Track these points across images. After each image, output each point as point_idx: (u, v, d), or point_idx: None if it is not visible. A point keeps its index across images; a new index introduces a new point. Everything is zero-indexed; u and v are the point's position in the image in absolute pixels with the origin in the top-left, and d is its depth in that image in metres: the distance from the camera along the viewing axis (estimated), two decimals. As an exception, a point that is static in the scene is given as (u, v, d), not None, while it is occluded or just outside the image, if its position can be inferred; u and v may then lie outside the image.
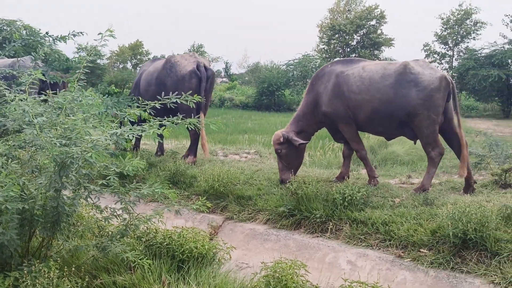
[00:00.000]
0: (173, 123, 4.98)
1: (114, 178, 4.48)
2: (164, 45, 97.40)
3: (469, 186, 7.87)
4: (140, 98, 6.01)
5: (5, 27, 31.83)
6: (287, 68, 38.59)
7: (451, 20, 37.95)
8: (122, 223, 4.98)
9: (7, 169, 4.27)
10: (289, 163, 8.69)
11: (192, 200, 8.37)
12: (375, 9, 43.91)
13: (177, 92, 10.49)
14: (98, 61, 39.78)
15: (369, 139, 13.93)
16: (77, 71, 5.48)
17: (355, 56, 42.20)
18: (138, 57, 50.22)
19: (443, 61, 38.88)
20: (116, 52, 48.75)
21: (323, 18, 48.25)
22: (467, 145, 7.89)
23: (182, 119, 4.93)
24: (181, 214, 5.38)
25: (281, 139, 8.54)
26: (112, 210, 5.07)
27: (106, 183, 4.58)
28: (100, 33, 5.54)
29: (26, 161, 4.77)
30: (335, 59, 9.27)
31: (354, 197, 7.14)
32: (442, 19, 38.34)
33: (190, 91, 10.25)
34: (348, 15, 45.55)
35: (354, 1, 46.25)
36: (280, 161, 8.77)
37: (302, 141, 8.49)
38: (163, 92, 5.78)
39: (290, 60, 38.83)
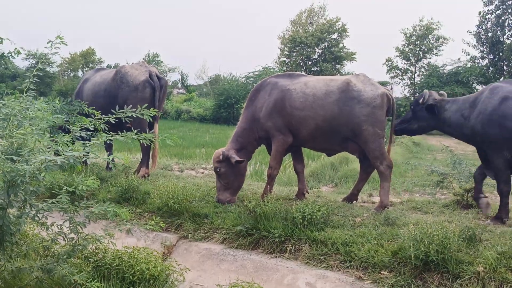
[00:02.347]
0: (127, 138, 4.89)
1: (65, 198, 4.39)
2: (117, 54, 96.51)
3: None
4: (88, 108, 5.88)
5: None
6: (247, 81, 38.82)
7: (413, 36, 38.92)
8: (69, 243, 4.87)
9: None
10: (228, 183, 8.65)
11: (145, 218, 8.25)
12: (336, 22, 44.80)
13: (129, 104, 10.53)
14: (48, 68, 39.26)
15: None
16: (26, 80, 5.36)
17: (316, 70, 42.88)
18: (90, 65, 49.63)
19: (405, 76, 39.84)
20: (67, 59, 48.04)
21: (284, 30, 48.83)
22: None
23: (136, 133, 4.86)
24: (133, 234, 5.28)
25: (220, 157, 8.51)
26: (59, 228, 4.95)
27: (54, 202, 4.48)
28: (50, 41, 5.45)
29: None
30: (275, 74, 9.33)
31: (314, 216, 7.15)
32: (405, 34, 39.31)
33: (144, 101, 10.49)
34: (309, 28, 46.17)
35: (316, 13, 46.98)
36: (218, 180, 8.72)
37: (237, 159, 8.42)
38: (116, 105, 5.68)
39: (250, 73, 39.21)
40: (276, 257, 7.07)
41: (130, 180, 9.06)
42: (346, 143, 8.15)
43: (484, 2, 34.31)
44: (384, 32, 71.73)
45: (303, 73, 10.08)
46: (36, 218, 4.48)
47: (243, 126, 8.81)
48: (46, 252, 5.44)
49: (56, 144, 4.40)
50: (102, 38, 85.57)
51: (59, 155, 4.28)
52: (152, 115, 5.01)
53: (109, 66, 51.52)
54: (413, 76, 39.15)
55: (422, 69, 38.65)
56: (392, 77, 39.22)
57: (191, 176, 10.86)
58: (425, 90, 8.56)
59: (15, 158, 4.19)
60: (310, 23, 46.45)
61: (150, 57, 48.87)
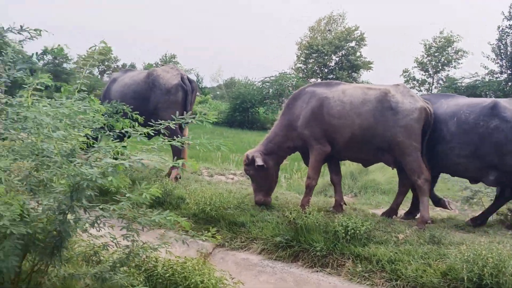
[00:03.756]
0: (181, 142, 4.73)
1: (128, 205, 4.23)
2: (133, 53, 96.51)
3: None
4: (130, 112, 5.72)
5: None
6: (263, 85, 38.63)
7: (433, 47, 38.69)
8: (124, 251, 4.71)
9: (9, 187, 3.99)
10: (259, 185, 8.77)
11: (180, 224, 8.08)
12: (355, 31, 44.54)
13: (161, 106, 10.40)
14: (65, 65, 39.18)
15: (351, 165, 13.84)
16: (77, 81, 5.23)
17: (332, 78, 42.67)
18: (106, 63, 49.57)
19: (422, 88, 39.58)
20: (83, 56, 47.97)
21: (303, 36, 48.65)
22: None
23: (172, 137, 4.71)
24: (188, 244, 5.11)
25: (246, 160, 8.71)
26: (111, 236, 4.80)
27: (116, 208, 4.32)
28: (94, 45, 5.32)
29: (24, 177, 4.47)
30: (315, 82, 9.22)
31: (357, 231, 6.98)
32: (425, 45, 39.07)
33: (176, 104, 10.40)
34: (328, 35, 45.97)
35: (335, 21, 46.79)
36: (252, 183, 8.92)
37: (260, 163, 8.49)
38: (146, 107, 5.59)
39: (266, 77, 38.92)
40: (317, 271, 6.92)
41: (164, 184, 8.91)
42: (382, 154, 8.05)
43: (505, 16, 33.95)
44: (401, 43, 71.17)
45: (338, 81, 9.91)
46: (96, 224, 4.32)
47: (276, 132, 8.78)
48: (92, 258, 5.29)
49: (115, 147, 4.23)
50: (118, 36, 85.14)
51: (115, 159, 4.14)
52: (187, 122, 4.81)
53: (124, 66, 51.61)
54: (430, 88, 38.95)
55: (440, 81, 38.45)
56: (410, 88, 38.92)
57: (222, 182, 10.72)
58: None
59: (79, 161, 4.05)
60: (329, 30, 46.29)
61: (167, 57, 48.87)
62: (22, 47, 7.41)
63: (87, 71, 5.54)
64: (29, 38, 6.61)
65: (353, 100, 7.95)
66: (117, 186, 4.16)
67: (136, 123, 5.16)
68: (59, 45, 6.38)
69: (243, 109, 34.99)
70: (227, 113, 36.22)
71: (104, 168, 3.91)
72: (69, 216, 4.34)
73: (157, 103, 10.44)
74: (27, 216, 4.00)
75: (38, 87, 5.13)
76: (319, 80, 44.76)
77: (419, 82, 39.59)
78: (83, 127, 4.85)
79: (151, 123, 4.93)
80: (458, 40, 37.92)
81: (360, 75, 45.62)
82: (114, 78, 11.96)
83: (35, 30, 6.22)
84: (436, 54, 38.58)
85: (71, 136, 4.50)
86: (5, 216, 3.65)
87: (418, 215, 8.23)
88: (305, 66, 46.31)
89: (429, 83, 39.51)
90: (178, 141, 4.64)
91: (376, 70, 45.81)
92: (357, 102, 7.92)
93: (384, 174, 13.28)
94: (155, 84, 10.66)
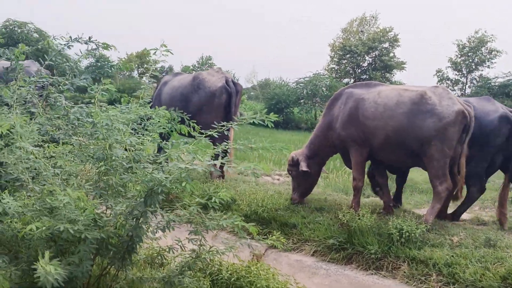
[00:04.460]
0: (244, 146, 4.61)
1: (198, 210, 4.15)
2: (171, 56, 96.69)
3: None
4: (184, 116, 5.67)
5: (16, 28, 31.74)
6: (297, 86, 38.38)
7: (467, 47, 37.92)
8: (191, 255, 4.61)
9: (81, 192, 3.92)
10: (299, 185, 8.81)
11: (229, 226, 7.99)
12: (389, 32, 43.89)
13: (206, 109, 10.35)
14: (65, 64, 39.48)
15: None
16: (141, 87, 5.20)
17: (366, 78, 42.19)
18: (145, 65, 49.90)
19: (455, 87, 38.83)
20: (123, 59, 48.52)
21: (335, 37, 48.20)
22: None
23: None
24: (253, 248, 5.00)
25: (291, 161, 8.74)
26: (176, 239, 4.71)
27: (186, 213, 4.24)
28: (155, 48, 5.25)
29: (93, 182, 4.42)
30: (354, 83, 9.03)
31: (412, 234, 6.78)
32: (459, 45, 38.31)
33: (220, 107, 10.36)
34: (361, 36, 45.48)
35: (367, 22, 46.26)
36: (292, 181, 9.00)
37: (304, 168, 8.49)
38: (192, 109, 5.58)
39: (300, 78, 38.60)
40: (372, 274, 6.73)
41: (215, 185, 8.83)
42: (417, 157, 7.74)
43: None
44: (434, 43, 69.79)
45: (377, 82, 9.65)
46: (166, 229, 4.24)
47: (317, 133, 8.72)
48: (155, 260, 5.21)
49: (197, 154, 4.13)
50: (154, 38, 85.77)
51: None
52: (229, 127, 4.67)
53: (162, 68, 51.92)
54: (464, 88, 38.21)
55: (474, 81, 37.67)
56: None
57: (268, 183, 10.58)
58: None
59: (151, 166, 3.98)
60: (361, 31, 45.84)
61: (204, 59, 49.02)
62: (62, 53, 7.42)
63: (127, 74, 5.51)
64: (93, 49, 6.59)
65: (387, 102, 7.73)
66: (189, 192, 4.05)
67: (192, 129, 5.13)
68: (123, 58, 6.35)
69: (278, 109, 34.74)
70: (262, 114, 36.05)
71: (177, 173, 3.83)
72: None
73: (202, 105, 10.44)
74: (99, 220, 3.93)
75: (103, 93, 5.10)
76: (352, 81, 44.40)
77: (453, 81, 38.85)
78: (150, 131, 4.80)
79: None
80: (492, 40, 37.04)
81: (394, 75, 44.97)
82: (165, 81, 12.03)
83: (103, 43, 6.21)
84: (469, 54, 37.79)
85: (141, 141, 4.43)
86: (80, 221, 3.59)
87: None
88: (338, 67, 45.86)
89: (462, 83, 38.76)
90: (242, 144, 4.51)
91: (409, 70, 45.08)
92: (391, 104, 7.69)
93: (421, 174, 12.90)
94: (200, 87, 10.66)
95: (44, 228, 3.39)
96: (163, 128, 4.98)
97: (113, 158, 4.29)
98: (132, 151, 4.21)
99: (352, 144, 8.12)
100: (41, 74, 6.16)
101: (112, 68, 6.66)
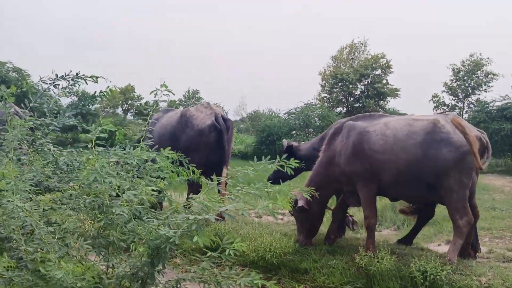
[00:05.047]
0: (260, 190, 4.30)
1: (210, 265, 3.78)
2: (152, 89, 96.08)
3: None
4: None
5: (-6, 68, 31.43)
6: (289, 117, 38.33)
7: (462, 72, 38.09)
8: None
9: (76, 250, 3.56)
10: (302, 225, 8.54)
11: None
12: (381, 59, 44.09)
13: (194, 148, 10.05)
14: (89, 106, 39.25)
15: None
16: (143, 128, 4.88)
17: (359, 106, 42.22)
18: (129, 102, 49.75)
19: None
20: (107, 96, 48.28)
21: (325, 66, 48.37)
22: None
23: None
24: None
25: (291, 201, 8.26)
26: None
27: (196, 270, 3.86)
28: (156, 89, 5.00)
29: (91, 237, 4.05)
30: (356, 115, 8.82)
31: (437, 276, 6.41)
32: (453, 69, 38.48)
33: (209, 145, 10.07)
34: (352, 63, 45.68)
35: (357, 49, 46.54)
36: (296, 222, 8.78)
37: (301, 204, 8.15)
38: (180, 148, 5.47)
39: (292, 109, 38.56)
40: (397, 323, 6.34)
41: (217, 229, 8.44)
42: (433, 191, 7.38)
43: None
44: (428, 69, 70.09)
45: (379, 113, 9.39)
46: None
47: (318, 170, 8.44)
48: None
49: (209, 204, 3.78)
50: (138, 73, 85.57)
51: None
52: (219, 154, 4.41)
53: (147, 103, 51.69)
54: (461, 113, 38.16)
55: (471, 105, 37.69)
56: (439, 114, 38.23)
57: (272, 223, 10.17)
58: (284, 140, 11.45)
59: (156, 221, 3.62)
60: (352, 58, 46.06)
61: (190, 93, 48.85)
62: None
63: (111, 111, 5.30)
64: (72, 85, 6.31)
65: (397, 133, 7.45)
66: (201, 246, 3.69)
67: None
68: (108, 87, 6.12)
69: (269, 141, 34.57)
70: (253, 146, 35.87)
71: (187, 226, 3.48)
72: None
73: (190, 144, 10.14)
74: (100, 286, 3.55)
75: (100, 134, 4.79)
76: (345, 110, 44.39)
77: (449, 107, 38.91)
78: (151, 176, 4.47)
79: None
80: (488, 63, 37.23)
81: (387, 103, 45.01)
82: (155, 118, 11.73)
83: (91, 76, 5.93)
84: (465, 78, 37.93)
85: (141, 192, 4.08)
86: (81, 289, 3.22)
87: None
88: (330, 96, 45.88)
89: (459, 108, 38.78)
90: (257, 188, 4.21)
91: (403, 97, 45.12)
92: (401, 135, 7.41)
93: None
94: (188, 125, 10.41)
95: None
96: (167, 173, 4.66)
97: (113, 212, 3.93)
98: (130, 206, 3.85)
99: (359, 180, 7.81)
100: (24, 118, 5.86)
101: (96, 99, 6.35)
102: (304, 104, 38.30)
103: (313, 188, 8.10)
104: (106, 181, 3.75)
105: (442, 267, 6.55)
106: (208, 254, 3.82)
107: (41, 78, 6.56)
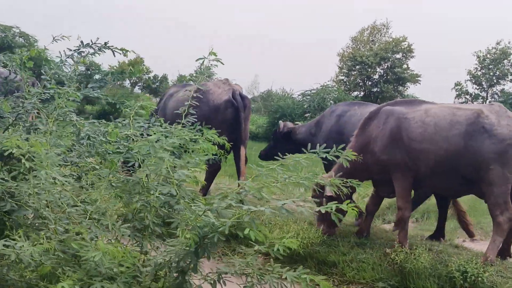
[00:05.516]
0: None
1: (255, 259, 3.56)
2: (167, 64, 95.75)
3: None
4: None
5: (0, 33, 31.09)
6: (303, 99, 38.01)
7: (487, 60, 37.61)
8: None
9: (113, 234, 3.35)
10: (327, 214, 7.94)
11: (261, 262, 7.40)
12: (402, 42, 43.54)
13: (210, 124, 9.86)
14: (97, 76, 38.96)
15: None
16: (185, 103, 4.66)
17: (377, 91, 41.82)
18: (138, 75, 49.36)
19: (475, 102, 38.47)
20: (115, 68, 47.93)
21: (344, 47, 47.73)
22: None
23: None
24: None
25: (317, 187, 7.89)
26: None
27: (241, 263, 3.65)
28: (203, 57, 4.76)
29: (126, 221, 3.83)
30: (395, 100, 8.59)
31: (479, 278, 6.17)
32: (478, 57, 38.03)
33: (225, 123, 9.82)
34: (371, 46, 45.15)
35: (378, 31, 45.97)
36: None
37: (329, 193, 7.58)
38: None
39: (307, 90, 38.21)
40: (433, 324, 6.13)
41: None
42: (471, 184, 7.19)
43: None
44: (451, 56, 68.88)
45: (420, 99, 9.15)
46: (218, 283, 3.64)
47: None
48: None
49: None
50: (149, 46, 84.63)
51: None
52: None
53: (155, 77, 51.40)
54: (484, 102, 37.80)
55: (495, 96, 37.32)
56: (461, 103, 37.88)
57: (295, 211, 9.92)
58: (280, 122, 11.59)
59: (202, 206, 3.40)
60: (372, 41, 45.47)
61: (203, 69, 48.18)
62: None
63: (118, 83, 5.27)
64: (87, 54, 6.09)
65: (438, 122, 7.21)
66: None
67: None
68: (115, 67, 5.90)
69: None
70: (265, 128, 35.56)
71: (238, 217, 3.26)
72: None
73: (206, 120, 9.87)
74: (139, 275, 3.34)
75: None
76: (362, 94, 44.01)
77: (472, 96, 38.55)
78: (195, 159, 4.24)
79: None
80: (515, 52, 36.80)
81: (407, 89, 44.57)
82: (170, 93, 11.47)
83: (120, 49, 5.73)
84: (490, 66, 37.47)
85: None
86: (119, 278, 3.02)
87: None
88: (347, 79, 45.46)
89: (482, 98, 38.43)
90: (307, 178, 3.97)
91: (423, 84, 44.54)
92: (443, 124, 7.17)
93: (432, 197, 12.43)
94: (203, 100, 10.10)
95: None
96: (209, 155, 4.46)
97: (151, 192, 3.72)
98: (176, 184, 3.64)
99: (395, 169, 7.57)
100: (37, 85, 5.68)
101: (125, 75, 6.19)
102: (320, 86, 37.95)
103: (342, 175, 7.92)
104: (160, 156, 3.53)
105: (484, 268, 6.33)
106: (256, 248, 3.58)
107: (54, 38, 6.35)
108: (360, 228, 8.31)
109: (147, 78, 49.94)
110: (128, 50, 6.02)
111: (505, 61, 36.81)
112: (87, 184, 3.91)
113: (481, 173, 6.91)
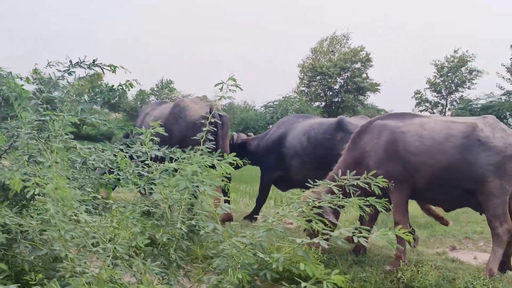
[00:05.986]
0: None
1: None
2: (126, 78, 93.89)
3: None
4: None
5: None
6: (266, 110, 38.09)
7: (445, 67, 38.33)
8: None
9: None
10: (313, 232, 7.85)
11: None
12: (360, 51, 44.05)
13: (187, 141, 9.63)
14: (56, 93, 38.04)
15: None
16: (203, 129, 4.45)
17: (338, 101, 42.19)
18: (97, 89, 48.41)
19: (435, 110, 39.16)
20: (76, 84, 46.87)
21: (304, 58, 47.89)
22: None
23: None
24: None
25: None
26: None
27: None
28: (221, 82, 4.55)
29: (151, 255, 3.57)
30: (386, 113, 8.63)
31: (488, 294, 6.09)
32: (436, 65, 38.71)
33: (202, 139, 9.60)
34: (331, 56, 45.52)
35: (338, 42, 46.38)
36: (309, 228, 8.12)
37: (333, 220, 7.14)
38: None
39: (269, 102, 38.31)
40: None
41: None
42: (468, 197, 7.17)
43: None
44: (411, 64, 69.82)
45: (411, 112, 9.15)
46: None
47: (343, 171, 7.85)
48: None
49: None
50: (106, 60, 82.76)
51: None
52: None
53: (113, 91, 50.40)
54: (444, 110, 38.48)
55: (454, 103, 37.98)
56: (421, 111, 38.48)
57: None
58: (234, 133, 11.69)
59: (244, 240, 3.18)
60: (332, 51, 45.78)
61: (163, 83, 47.75)
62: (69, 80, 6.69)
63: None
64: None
65: (435, 135, 7.20)
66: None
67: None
68: (128, 80, 5.77)
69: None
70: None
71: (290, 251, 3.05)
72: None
73: (184, 137, 9.65)
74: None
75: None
76: (323, 104, 44.29)
77: (432, 104, 39.16)
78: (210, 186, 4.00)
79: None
80: (472, 59, 37.50)
81: (367, 98, 45.02)
82: (146, 112, 11.28)
83: (109, 65, 5.52)
84: (449, 74, 38.17)
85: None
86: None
87: None
88: (308, 89, 45.66)
89: (442, 105, 39.08)
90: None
91: (383, 92, 44.99)
92: (439, 137, 7.15)
93: (417, 206, 12.41)
94: (180, 115, 9.94)
95: None
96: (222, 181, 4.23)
97: (175, 226, 3.48)
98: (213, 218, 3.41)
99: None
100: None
101: (114, 92, 5.94)
102: (283, 97, 38.08)
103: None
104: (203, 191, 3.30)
105: (492, 283, 6.25)
106: (303, 286, 3.35)
107: (49, 63, 6.13)
108: (357, 245, 8.12)
109: (106, 93, 49.00)
110: (116, 67, 5.79)
111: (463, 68, 37.54)
112: (109, 220, 3.63)
113: (479, 185, 6.89)
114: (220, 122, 9.96)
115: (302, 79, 46.28)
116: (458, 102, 37.50)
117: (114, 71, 5.82)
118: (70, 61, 5.81)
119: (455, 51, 37.93)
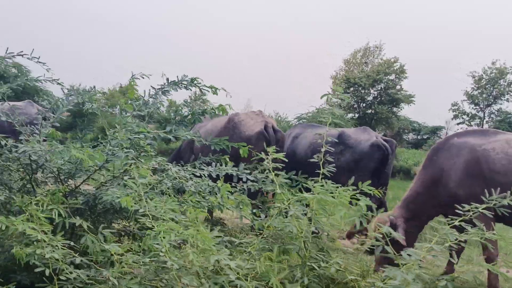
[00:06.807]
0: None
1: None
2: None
3: None
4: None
5: (-8, 63, 30.32)
6: (299, 122, 37.76)
7: (483, 79, 37.73)
8: None
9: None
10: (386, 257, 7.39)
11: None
12: (394, 63, 43.54)
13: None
14: (89, 105, 38.17)
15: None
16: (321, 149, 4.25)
17: (371, 113, 41.68)
18: (129, 101, 48.61)
19: (472, 122, 38.52)
20: (105, 95, 47.16)
21: (337, 69, 47.65)
22: None
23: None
24: None
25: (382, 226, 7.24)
26: None
27: None
28: (327, 94, 4.40)
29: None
30: (463, 130, 8.16)
31: None
32: (474, 77, 38.13)
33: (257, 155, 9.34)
34: (364, 68, 45.13)
35: (371, 53, 45.99)
36: (376, 250, 7.60)
37: (401, 240, 6.72)
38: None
39: (302, 114, 37.97)
40: None
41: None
42: None
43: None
44: (448, 75, 68.83)
45: (492, 129, 8.75)
46: None
47: (417, 190, 7.46)
48: None
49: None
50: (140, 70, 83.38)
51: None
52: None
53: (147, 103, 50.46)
54: (481, 122, 37.83)
55: (492, 115, 37.36)
56: (458, 123, 38.06)
57: (349, 249, 9.42)
58: None
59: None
60: (365, 62, 45.45)
61: (197, 95, 47.76)
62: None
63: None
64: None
65: None
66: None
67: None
68: (220, 105, 5.54)
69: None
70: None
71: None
72: None
73: (234, 152, 9.48)
74: None
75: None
76: (357, 116, 43.84)
77: (470, 116, 38.54)
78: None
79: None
80: (511, 72, 36.91)
81: (401, 110, 44.44)
82: (200, 125, 11.13)
83: (209, 86, 5.37)
84: (487, 86, 37.55)
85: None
86: None
87: None
88: (341, 101, 45.28)
89: (479, 117, 38.42)
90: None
91: (418, 104, 44.37)
92: None
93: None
94: (235, 131, 9.71)
95: None
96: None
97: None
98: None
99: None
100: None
101: (204, 114, 5.75)
102: (316, 109, 37.74)
103: (412, 210, 7.39)
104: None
105: None
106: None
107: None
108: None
109: (138, 104, 49.17)
110: (218, 88, 5.53)
111: (501, 80, 36.96)
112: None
113: None
114: (275, 139, 9.78)
115: (335, 91, 46.01)
116: (496, 114, 36.85)
117: (215, 93, 5.57)
118: (167, 79, 5.63)
119: (493, 63, 37.38)
